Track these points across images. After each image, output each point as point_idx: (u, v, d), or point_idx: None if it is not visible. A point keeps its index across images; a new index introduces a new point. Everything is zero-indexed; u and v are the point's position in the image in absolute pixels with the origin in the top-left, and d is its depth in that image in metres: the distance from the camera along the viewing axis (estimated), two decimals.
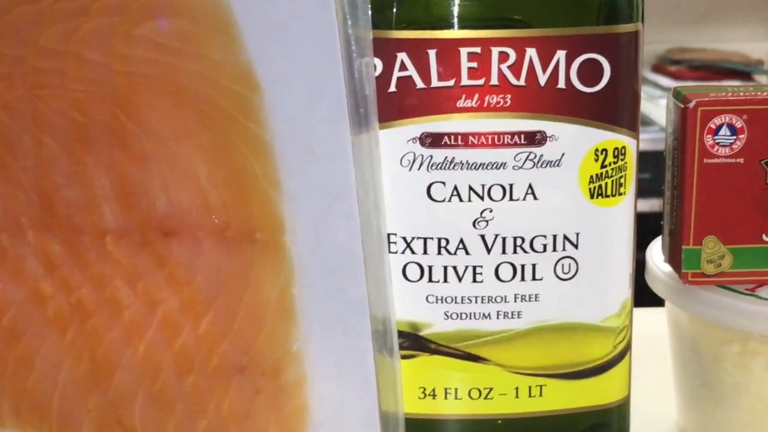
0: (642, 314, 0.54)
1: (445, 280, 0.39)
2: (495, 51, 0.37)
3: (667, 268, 0.45)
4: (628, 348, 0.41)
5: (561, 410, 0.40)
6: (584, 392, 0.40)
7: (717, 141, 0.42)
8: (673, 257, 0.44)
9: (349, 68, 0.36)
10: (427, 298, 0.39)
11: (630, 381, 0.42)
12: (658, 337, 0.48)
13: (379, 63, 0.37)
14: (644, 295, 0.46)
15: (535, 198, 0.38)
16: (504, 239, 0.39)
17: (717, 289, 0.43)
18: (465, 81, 0.37)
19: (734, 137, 0.42)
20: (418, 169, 0.38)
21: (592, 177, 0.39)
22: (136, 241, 0.39)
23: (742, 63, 1.99)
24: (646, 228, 0.48)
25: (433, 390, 0.40)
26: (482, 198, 0.38)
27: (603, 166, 0.39)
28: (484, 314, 0.39)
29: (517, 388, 0.40)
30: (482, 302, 0.39)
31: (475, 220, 0.39)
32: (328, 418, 0.39)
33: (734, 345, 0.43)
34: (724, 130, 0.42)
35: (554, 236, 0.39)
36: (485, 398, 0.40)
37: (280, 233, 0.38)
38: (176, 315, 0.39)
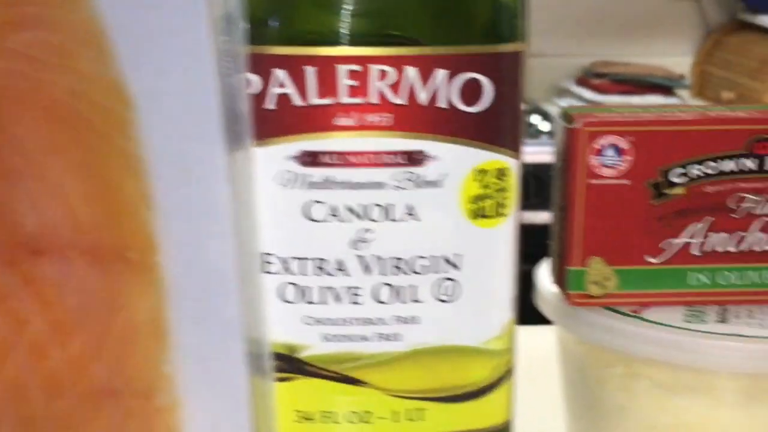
0: (533, 332, 0.54)
1: (323, 302, 0.38)
2: (374, 69, 0.37)
3: (555, 288, 0.44)
4: (510, 371, 0.41)
5: None
6: (465, 416, 0.40)
7: (602, 162, 0.41)
8: (559, 278, 0.44)
9: (224, 85, 0.36)
10: (304, 319, 0.38)
11: (513, 404, 0.41)
12: (550, 357, 0.48)
13: (256, 79, 0.37)
14: (538, 313, 0.46)
15: (415, 219, 0.38)
16: (383, 260, 0.38)
17: (602, 311, 0.43)
18: (344, 99, 0.37)
19: (620, 158, 0.41)
20: (296, 188, 0.37)
21: (473, 198, 0.38)
22: (4, 260, 0.38)
23: (665, 77, 2.01)
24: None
25: (311, 414, 0.39)
26: (361, 218, 0.38)
27: (484, 187, 0.38)
28: (362, 336, 0.39)
29: (396, 412, 0.39)
30: (361, 324, 0.38)
31: (354, 240, 0.38)
32: None
33: (618, 367, 0.43)
34: (610, 151, 0.41)
35: (435, 258, 0.38)
36: (364, 422, 0.39)
37: (152, 253, 0.37)
38: (45, 336, 0.38)
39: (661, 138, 0.42)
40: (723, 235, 0.42)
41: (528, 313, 0.45)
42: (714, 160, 0.42)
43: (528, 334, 0.55)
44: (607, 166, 0.41)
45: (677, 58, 2.11)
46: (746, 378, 0.41)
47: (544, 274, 0.46)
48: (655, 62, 2.07)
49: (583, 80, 2.06)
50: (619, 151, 0.41)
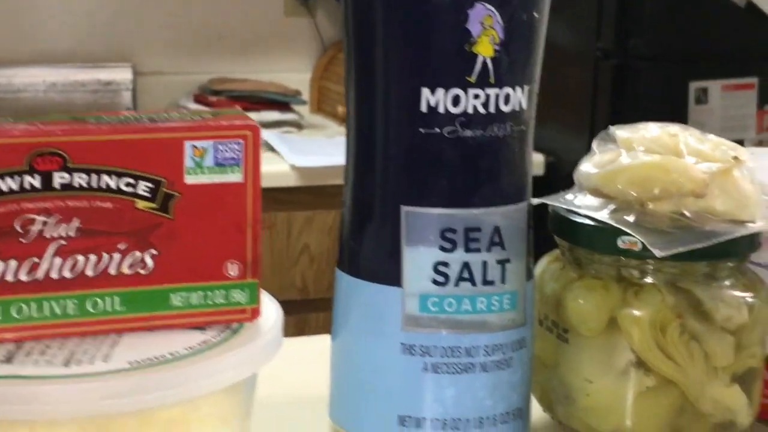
0: None
1: None
2: None
3: None
4: None
5: None
6: None
7: None
8: None
9: None
10: None
11: None
12: None
13: None
14: None
15: None
16: None
17: None
18: None
19: None
20: None
21: None
22: None
23: (279, 93, 2.00)
24: None
25: None
26: None
27: None
28: None
29: None
30: None
31: None
32: None
33: None
34: None
35: None
36: None
37: None
38: None
39: None
40: (12, 262, 0.37)
41: None
42: None
43: None
44: None
45: (294, 75, 2.10)
46: (25, 426, 0.36)
47: None
48: (276, 78, 2.06)
49: (200, 97, 2.01)
50: None
